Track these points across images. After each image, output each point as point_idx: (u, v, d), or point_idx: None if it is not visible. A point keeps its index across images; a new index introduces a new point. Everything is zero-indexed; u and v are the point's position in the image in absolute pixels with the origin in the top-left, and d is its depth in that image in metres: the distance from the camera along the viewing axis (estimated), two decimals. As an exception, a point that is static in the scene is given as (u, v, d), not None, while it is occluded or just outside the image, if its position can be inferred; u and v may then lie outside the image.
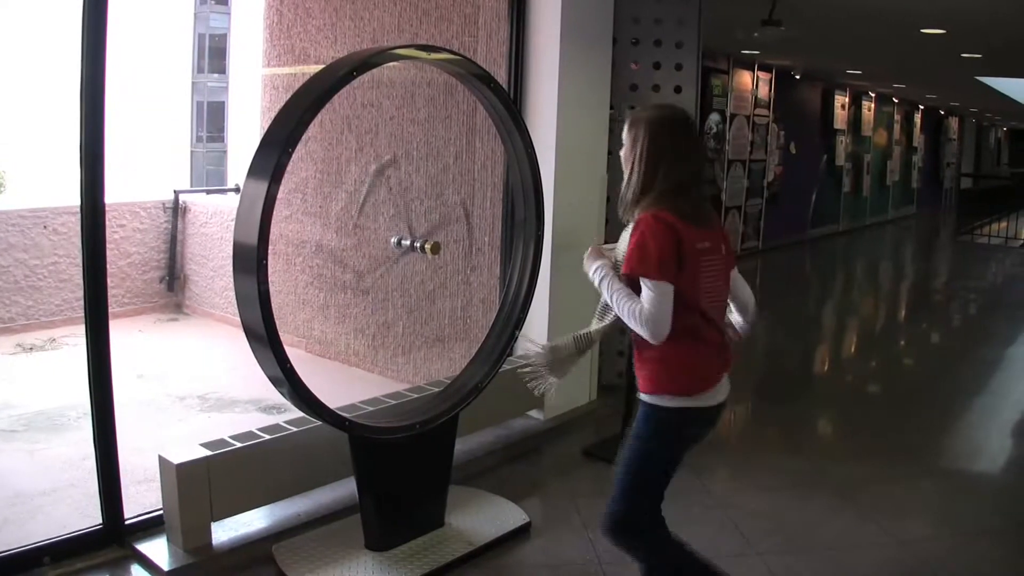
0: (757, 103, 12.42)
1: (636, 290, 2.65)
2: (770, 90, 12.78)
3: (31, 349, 6.53)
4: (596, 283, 2.77)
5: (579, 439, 4.99)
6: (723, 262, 2.77)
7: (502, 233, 5.13)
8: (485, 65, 4.24)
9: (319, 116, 3.22)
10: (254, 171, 3.04)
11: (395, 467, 3.56)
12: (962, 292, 11.63)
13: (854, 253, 15.08)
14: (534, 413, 5.14)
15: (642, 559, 2.91)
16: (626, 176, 2.76)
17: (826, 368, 7.69)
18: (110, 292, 3.78)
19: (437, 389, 4.07)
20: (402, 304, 5.69)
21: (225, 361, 6.19)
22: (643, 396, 2.77)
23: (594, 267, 2.79)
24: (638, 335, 2.68)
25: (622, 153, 2.81)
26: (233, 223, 3.13)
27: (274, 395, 3.40)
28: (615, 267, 2.75)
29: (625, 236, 2.73)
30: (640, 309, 2.61)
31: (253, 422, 4.33)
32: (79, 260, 3.36)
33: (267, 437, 3.70)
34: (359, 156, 5.85)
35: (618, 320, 2.77)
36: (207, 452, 3.51)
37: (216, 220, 7.67)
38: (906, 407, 6.07)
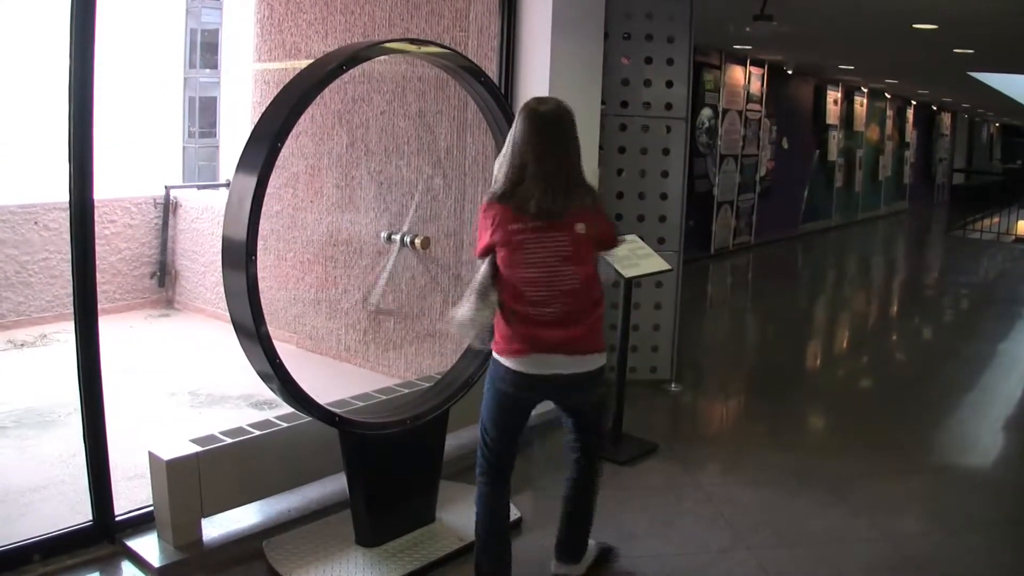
0: (749, 98, 12.42)
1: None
2: (762, 85, 12.78)
3: (22, 345, 6.51)
4: None
5: (570, 434, 4.98)
6: (554, 245, 2.99)
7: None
8: (476, 60, 4.24)
9: (309, 110, 3.21)
10: (243, 165, 3.04)
11: (386, 462, 3.56)
12: (954, 287, 11.66)
13: (846, 248, 15.10)
14: (525, 408, 5.13)
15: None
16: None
17: (817, 363, 7.70)
18: (100, 288, 3.77)
19: (428, 384, 4.07)
20: (393, 299, 5.69)
21: (216, 357, 6.18)
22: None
23: None
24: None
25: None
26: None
27: (265, 391, 3.39)
28: None
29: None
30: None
31: (244, 418, 4.33)
32: (69, 256, 3.35)
33: (257, 433, 3.70)
34: (351, 151, 5.85)
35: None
36: (197, 448, 3.51)
37: (207, 216, 7.65)
38: (897, 402, 6.08)
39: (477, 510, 3.28)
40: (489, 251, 3.02)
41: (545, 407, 5.05)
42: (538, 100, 3.10)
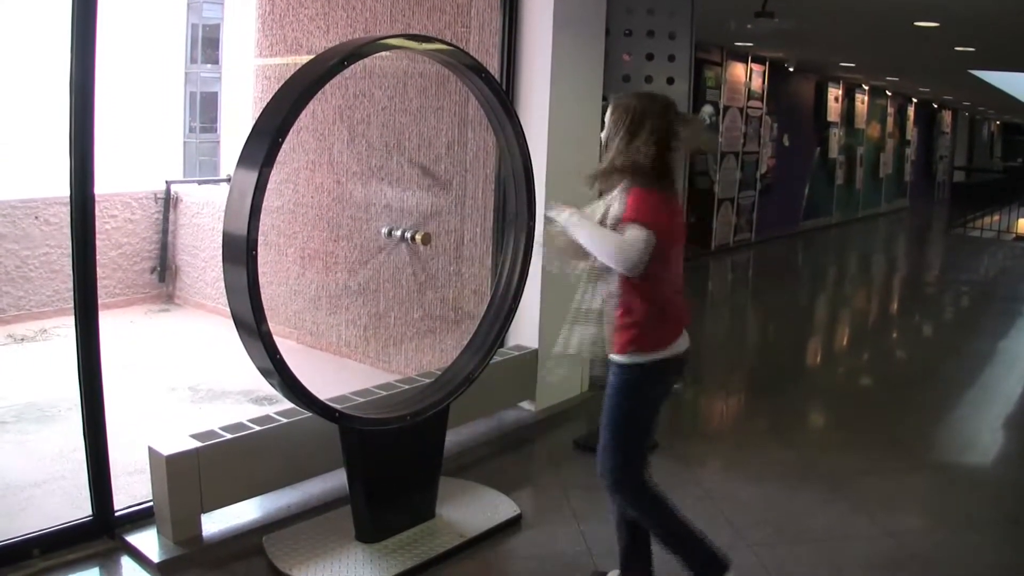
0: (750, 95, 12.41)
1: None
2: (763, 82, 12.77)
3: (22, 340, 6.51)
4: (572, 223, 2.97)
5: (570, 431, 4.99)
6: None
7: (494, 224, 5.12)
8: (477, 55, 4.22)
9: (310, 105, 3.21)
10: (244, 160, 3.03)
11: (386, 458, 3.56)
12: (954, 285, 11.65)
13: (846, 245, 15.09)
14: (525, 404, 5.14)
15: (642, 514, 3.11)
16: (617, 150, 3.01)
17: (817, 360, 7.70)
18: (101, 283, 3.77)
19: (428, 380, 4.07)
20: (394, 295, 5.68)
21: (216, 352, 6.17)
22: (619, 358, 3.01)
23: (567, 213, 3.00)
24: (627, 297, 2.95)
25: (610, 132, 3.05)
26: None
27: (265, 386, 3.39)
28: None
29: (602, 203, 3.05)
30: (621, 240, 2.85)
31: (244, 413, 4.32)
32: (70, 251, 3.35)
33: (257, 428, 3.70)
34: (351, 147, 5.84)
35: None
36: (197, 443, 3.51)
37: (208, 211, 7.64)
38: (897, 400, 6.08)
39: (664, 521, 3.09)
40: (658, 226, 2.89)
41: (546, 405, 5.04)
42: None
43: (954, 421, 5.80)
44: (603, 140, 3.10)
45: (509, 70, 4.98)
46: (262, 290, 3.05)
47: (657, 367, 3.03)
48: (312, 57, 3.30)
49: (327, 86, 3.24)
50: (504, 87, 4.71)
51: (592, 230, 2.94)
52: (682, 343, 3.12)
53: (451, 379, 3.87)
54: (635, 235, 2.83)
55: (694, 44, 5.66)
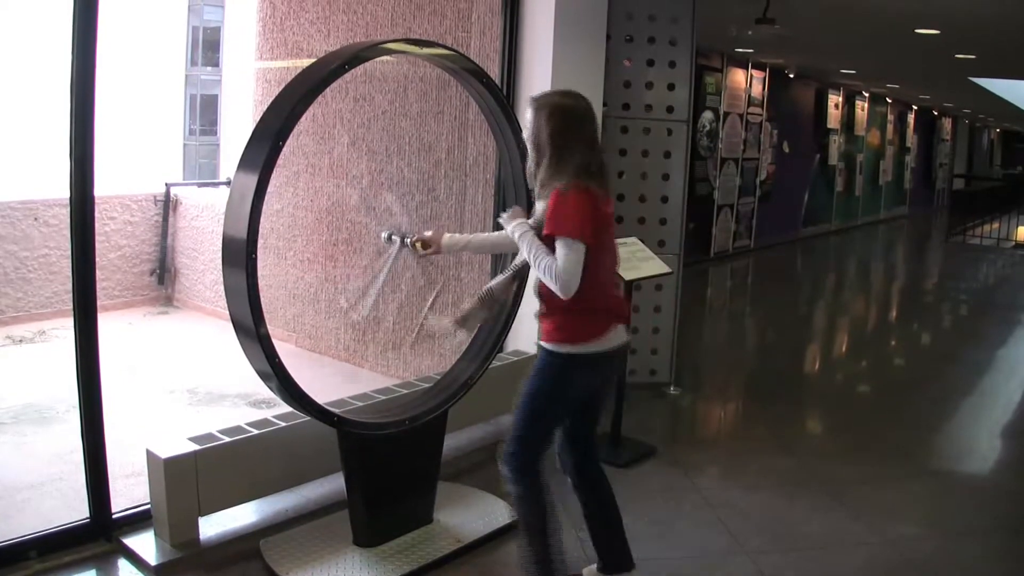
0: (750, 101, 12.42)
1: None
2: (763, 88, 12.78)
3: (20, 341, 6.50)
4: (516, 237, 3.02)
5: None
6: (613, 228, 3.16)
7: (493, 228, 5.12)
8: (478, 60, 4.23)
9: (311, 109, 3.21)
10: (244, 164, 3.03)
11: (384, 463, 3.55)
12: (953, 293, 11.66)
13: (846, 253, 15.10)
14: (524, 410, 5.13)
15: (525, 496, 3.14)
16: (537, 157, 3.03)
17: (816, 367, 7.69)
18: (100, 285, 3.76)
19: (427, 385, 4.06)
20: (392, 299, 5.68)
21: (215, 355, 6.17)
22: (545, 345, 3.09)
23: (514, 224, 3.04)
24: (548, 290, 2.94)
25: (529, 135, 3.06)
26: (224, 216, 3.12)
27: (264, 389, 3.39)
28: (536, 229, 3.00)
29: (540, 206, 3.03)
30: (554, 265, 2.85)
31: (242, 416, 4.32)
32: (69, 252, 3.35)
33: (255, 432, 3.70)
34: (351, 151, 5.84)
35: (516, 274, 3.24)
36: (195, 446, 3.51)
37: (207, 213, 7.65)
38: (896, 407, 6.07)
39: (536, 511, 3.14)
40: (584, 233, 2.86)
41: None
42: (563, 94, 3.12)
43: (953, 429, 5.79)
44: (529, 141, 3.06)
45: (510, 75, 4.98)
46: (261, 293, 3.05)
47: (584, 360, 3.05)
48: (313, 61, 3.31)
49: (327, 90, 3.24)
50: (505, 92, 4.71)
51: (535, 250, 2.93)
52: (614, 338, 3.09)
53: (450, 384, 3.87)
54: (569, 259, 2.83)
55: (695, 50, 5.66)
